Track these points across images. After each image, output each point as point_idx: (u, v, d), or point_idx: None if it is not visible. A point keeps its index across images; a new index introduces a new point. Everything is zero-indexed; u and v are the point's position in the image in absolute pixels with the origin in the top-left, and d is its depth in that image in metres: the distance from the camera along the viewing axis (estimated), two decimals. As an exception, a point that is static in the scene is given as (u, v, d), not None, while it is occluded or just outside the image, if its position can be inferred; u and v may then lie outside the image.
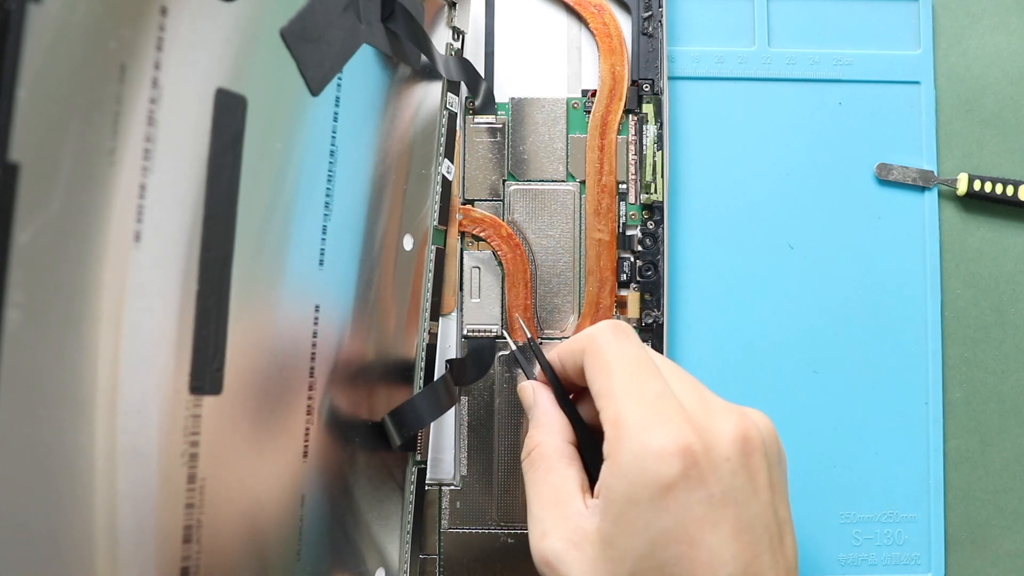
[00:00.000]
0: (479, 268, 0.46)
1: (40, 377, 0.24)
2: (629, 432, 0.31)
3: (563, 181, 0.47)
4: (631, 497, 0.30)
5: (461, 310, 0.46)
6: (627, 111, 0.47)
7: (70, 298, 0.25)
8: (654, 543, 0.29)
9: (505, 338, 0.46)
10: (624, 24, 0.48)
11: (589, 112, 0.47)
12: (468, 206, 0.46)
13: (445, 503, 0.45)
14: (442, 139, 0.45)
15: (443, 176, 0.44)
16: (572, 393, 0.38)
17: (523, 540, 0.44)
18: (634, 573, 0.30)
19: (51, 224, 0.24)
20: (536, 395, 0.38)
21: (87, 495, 0.26)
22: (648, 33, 0.47)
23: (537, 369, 0.39)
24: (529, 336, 0.44)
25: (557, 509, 0.33)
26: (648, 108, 0.47)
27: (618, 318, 0.46)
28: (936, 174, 0.48)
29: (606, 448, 0.32)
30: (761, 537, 0.30)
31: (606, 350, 0.34)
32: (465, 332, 0.46)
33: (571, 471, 0.34)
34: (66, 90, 0.24)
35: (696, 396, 0.33)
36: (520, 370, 0.45)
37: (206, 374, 0.29)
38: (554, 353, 0.38)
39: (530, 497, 0.35)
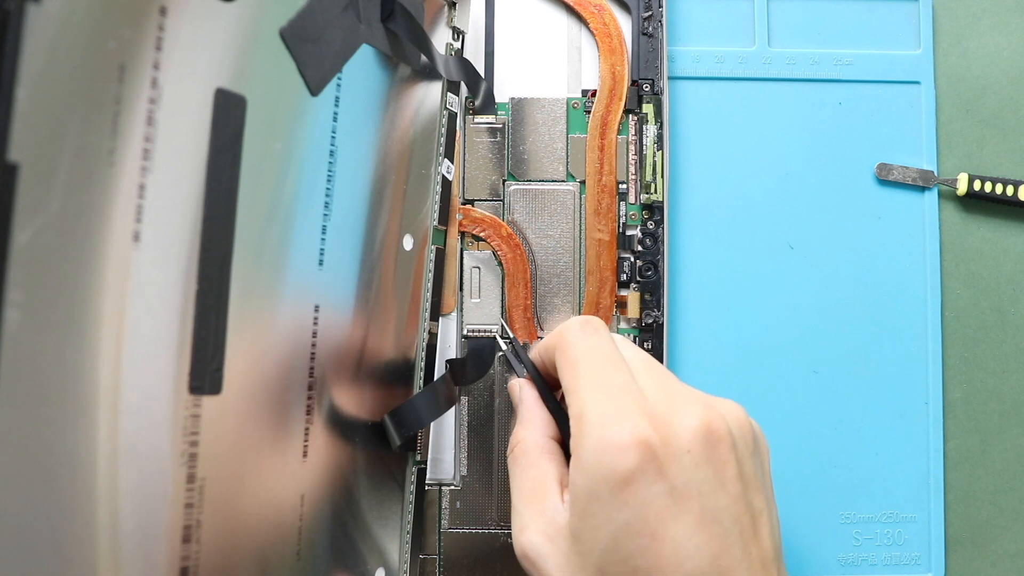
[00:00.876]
0: (479, 268, 0.46)
1: (39, 377, 0.24)
2: (589, 427, 0.31)
3: (563, 181, 0.47)
4: (592, 491, 0.30)
5: (461, 310, 0.46)
6: (627, 111, 0.47)
7: (69, 298, 0.25)
8: (617, 536, 0.30)
9: (502, 336, 0.46)
10: (624, 24, 0.48)
11: (589, 112, 0.47)
12: (468, 206, 0.46)
13: (445, 503, 0.45)
14: (442, 139, 0.45)
15: (443, 176, 0.44)
16: (558, 389, 0.38)
17: (523, 540, 0.44)
18: (601, 566, 0.30)
19: (50, 224, 0.24)
20: (521, 392, 0.39)
21: (89, 495, 0.26)
22: (648, 33, 0.47)
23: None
24: (511, 337, 0.44)
25: (535, 504, 0.34)
26: (648, 108, 0.47)
27: (618, 318, 0.46)
28: (936, 174, 0.48)
29: (572, 444, 0.32)
30: (730, 529, 0.30)
31: (572, 346, 0.35)
32: (465, 332, 0.46)
33: (550, 466, 0.35)
34: (65, 90, 0.24)
35: (661, 388, 0.33)
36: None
37: (205, 374, 0.29)
38: (535, 351, 0.39)
39: (512, 492, 0.35)
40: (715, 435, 0.31)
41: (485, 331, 0.46)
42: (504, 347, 0.45)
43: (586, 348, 0.34)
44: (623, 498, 0.30)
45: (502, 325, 0.46)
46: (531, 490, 0.34)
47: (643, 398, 0.32)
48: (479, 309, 0.46)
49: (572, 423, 0.32)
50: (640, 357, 0.35)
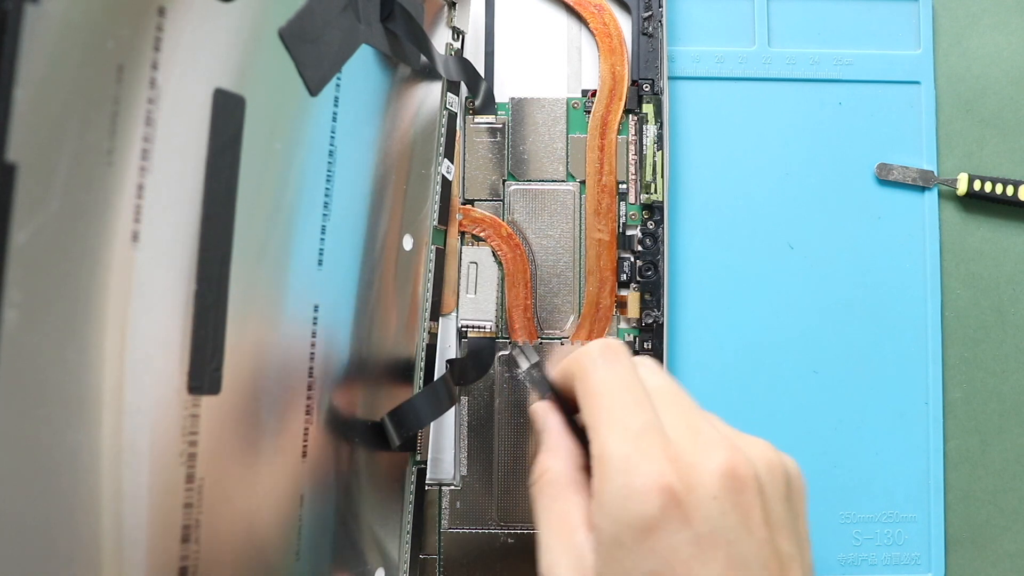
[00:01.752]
0: (476, 264, 0.46)
1: (39, 377, 0.24)
2: (611, 470, 0.30)
3: (563, 181, 0.47)
4: (616, 537, 0.29)
5: (459, 307, 0.46)
6: (627, 111, 0.47)
7: (68, 298, 0.25)
8: None
9: (506, 340, 0.46)
10: (624, 24, 0.48)
11: (589, 112, 0.47)
12: (468, 206, 0.46)
13: (445, 503, 0.45)
14: (442, 139, 0.45)
15: (443, 176, 0.44)
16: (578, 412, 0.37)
17: (523, 540, 0.44)
18: None
19: (49, 224, 0.24)
20: (546, 419, 0.37)
21: (91, 495, 0.26)
22: (648, 33, 0.47)
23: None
24: (536, 360, 0.42)
25: (563, 539, 0.32)
26: (648, 108, 0.47)
27: (618, 318, 0.46)
28: (936, 174, 0.48)
29: (593, 485, 0.31)
30: (758, 575, 0.29)
31: (593, 378, 0.33)
32: (460, 326, 0.46)
33: (579, 498, 0.33)
34: (64, 90, 0.24)
35: (685, 428, 0.31)
36: (519, 372, 0.45)
37: (204, 374, 0.29)
38: (555, 374, 0.37)
39: (539, 524, 0.34)
40: (740, 480, 0.30)
41: (480, 327, 0.46)
42: (522, 367, 0.44)
43: (607, 380, 0.33)
44: (648, 545, 0.29)
45: (522, 345, 0.45)
46: (559, 525, 0.33)
47: (666, 439, 0.31)
48: (475, 305, 0.46)
49: (594, 463, 0.31)
50: (664, 386, 0.34)
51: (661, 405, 0.33)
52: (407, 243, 0.42)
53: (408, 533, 0.42)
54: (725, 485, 0.30)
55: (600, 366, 0.33)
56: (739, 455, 0.31)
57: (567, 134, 0.47)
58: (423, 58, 0.42)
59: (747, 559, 0.29)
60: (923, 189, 0.48)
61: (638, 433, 0.31)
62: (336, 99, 0.36)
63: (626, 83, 0.47)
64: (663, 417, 0.32)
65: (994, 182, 0.47)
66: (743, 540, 0.29)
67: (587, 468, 0.34)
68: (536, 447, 0.37)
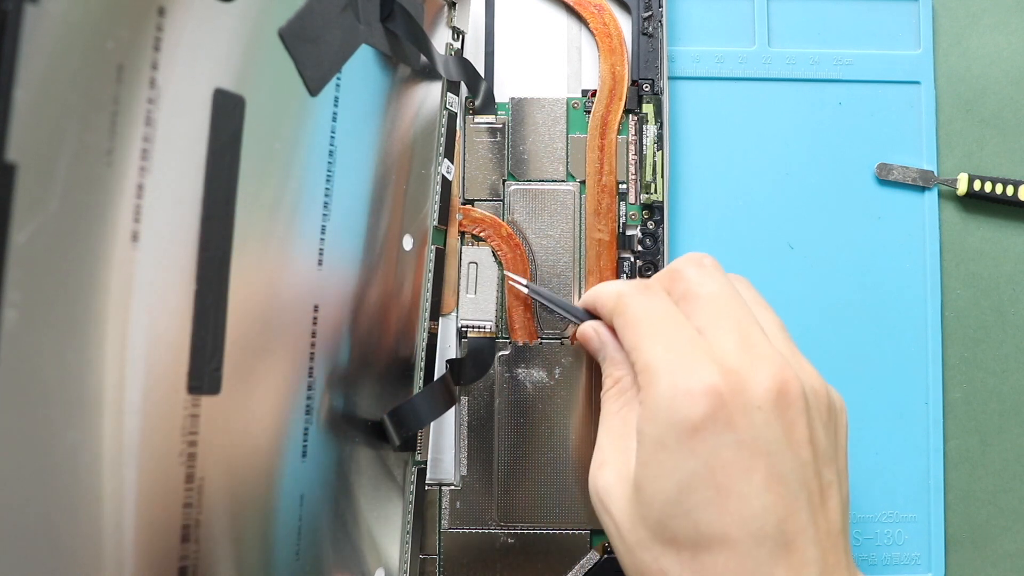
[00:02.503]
0: (476, 264, 0.46)
1: (39, 377, 0.24)
2: (658, 376, 0.31)
3: (563, 181, 0.47)
4: (660, 440, 0.30)
5: (459, 307, 0.46)
6: (627, 111, 0.47)
7: (68, 298, 0.25)
8: (681, 487, 0.29)
9: (506, 340, 0.46)
10: (624, 24, 0.48)
11: (589, 112, 0.47)
12: (468, 206, 0.46)
13: (445, 503, 0.45)
14: (442, 139, 0.45)
15: (443, 176, 0.44)
16: None
17: (523, 540, 0.44)
18: (662, 519, 0.30)
19: (49, 224, 0.24)
20: (605, 336, 0.38)
21: (90, 495, 0.26)
22: (648, 33, 0.47)
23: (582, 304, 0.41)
24: (577, 308, 0.42)
25: (620, 442, 0.33)
26: (648, 108, 0.47)
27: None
28: (936, 174, 0.48)
29: (640, 396, 0.31)
30: (798, 494, 0.29)
31: (633, 308, 0.34)
32: (460, 326, 0.46)
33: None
34: (63, 90, 0.24)
35: (740, 340, 0.32)
36: (520, 370, 0.45)
37: (204, 374, 0.29)
38: (584, 303, 0.39)
39: (601, 428, 0.35)
40: (788, 396, 0.30)
41: (480, 327, 0.46)
42: (542, 301, 0.44)
43: (648, 307, 0.34)
44: (690, 446, 0.29)
45: (527, 283, 0.45)
46: (620, 428, 0.34)
47: (712, 349, 0.31)
48: (475, 305, 0.46)
49: (640, 377, 0.32)
50: (721, 293, 0.34)
51: (715, 313, 0.33)
52: (407, 243, 0.42)
53: (408, 533, 0.42)
54: (771, 398, 0.30)
55: (639, 299, 0.35)
56: (789, 372, 0.31)
57: (567, 134, 0.47)
58: (423, 58, 0.42)
59: (787, 475, 0.29)
60: (923, 189, 0.48)
61: (683, 345, 0.31)
62: (336, 99, 0.36)
63: (626, 83, 0.47)
64: (716, 325, 0.32)
65: (994, 182, 0.47)
66: (785, 455, 0.30)
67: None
68: (598, 363, 0.38)
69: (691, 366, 0.30)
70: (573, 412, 0.45)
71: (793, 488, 0.29)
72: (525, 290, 0.44)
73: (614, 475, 0.32)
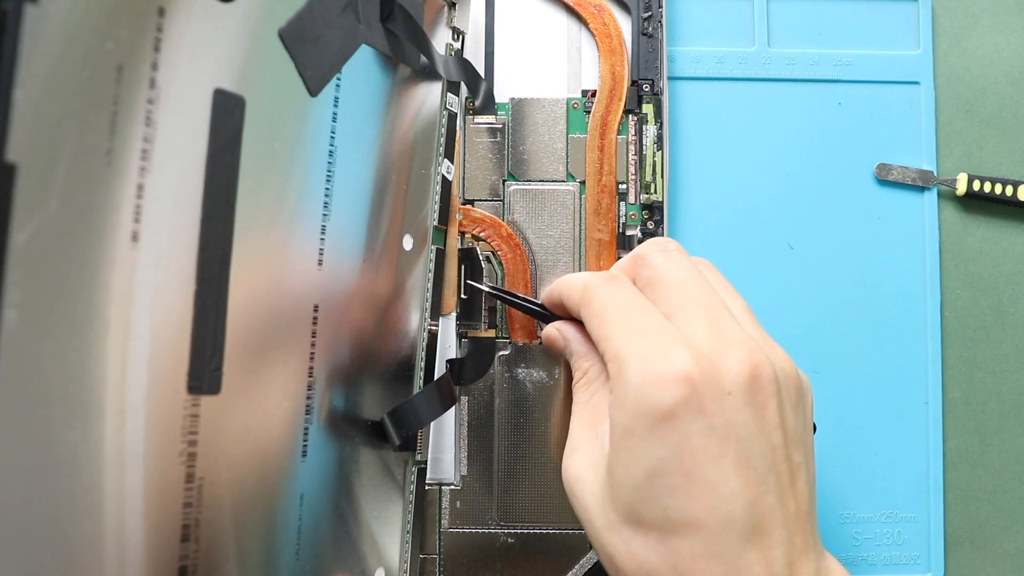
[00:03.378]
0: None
1: (39, 377, 0.24)
2: (627, 363, 0.30)
3: (563, 181, 0.47)
4: (629, 427, 0.30)
5: (459, 307, 0.46)
6: (627, 111, 0.47)
7: (68, 298, 0.25)
8: (650, 473, 0.29)
9: (506, 341, 0.46)
10: (624, 24, 0.48)
11: (589, 112, 0.47)
12: (468, 206, 0.46)
13: (445, 503, 0.45)
14: (442, 139, 0.45)
15: (443, 176, 0.45)
16: None
17: (523, 540, 0.44)
18: (631, 503, 0.30)
19: (48, 224, 0.24)
20: (568, 332, 0.38)
21: (90, 495, 0.26)
22: (648, 33, 0.47)
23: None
24: (540, 303, 0.42)
25: (590, 429, 0.33)
26: (648, 108, 0.47)
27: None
28: (936, 174, 0.48)
29: (610, 384, 0.32)
30: (767, 477, 0.29)
31: (599, 298, 0.34)
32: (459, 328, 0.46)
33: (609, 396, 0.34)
34: (63, 91, 0.24)
35: (709, 325, 0.32)
36: (520, 370, 0.45)
37: (204, 374, 0.29)
38: (545, 296, 0.39)
39: (572, 418, 0.35)
40: (759, 381, 0.30)
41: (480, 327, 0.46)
42: (507, 301, 0.44)
43: (614, 296, 0.34)
44: (660, 433, 0.29)
45: (496, 289, 0.45)
46: (590, 416, 0.34)
47: (682, 336, 0.31)
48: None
49: (610, 365, 0.32)
50: (688, 279, 0.34)
51: (683, 298, 0.33)
52: (407, 243, 0.42)
53: (408, 533, 0.42)
54: (743, 383, 0.30)
55: (603, 288, 0.34)
56: (761, 355, 0.31)
57: (567, 134, 0.47)
58: (423, 58, 0.42)
59: (756, 459, 0.29)
60: (923, 189, 0.48)
61: (651, 331, 0.31)
62: (336, 99, 0.36)
63: (626, 83, 0.47)
64: (684, 311, 0.32)
65: (994, 182, 0.47)
66: (755, 439, 0.30)
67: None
68: (565, 361, 0.39)
69: (661, 352, 0.30)
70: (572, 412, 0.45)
71: (762, 472, 0.29)
72: (487, 290, 0.44)
73: (584, 461, 0.33)
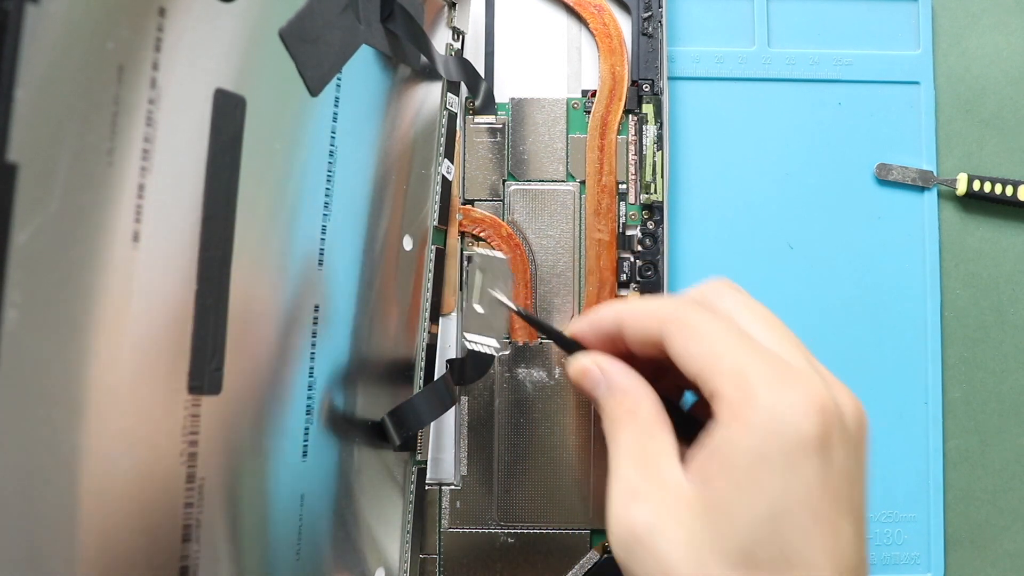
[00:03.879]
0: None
1: (39, 377, 0.24)
2: (758, 388, 0.28)
3: (563, 181, 0.47)
4: (762, 455, 0.27)
5: (460, 310, 0.46)
6: (627, 111, 0.47)
7: (69, 298, 0.25)
8: (776, 509, 0.27)
9: (506, 341, 0.46)
10: (624, 24, 0.48)
11: (589, 112, 0.47)
12: (468, 206, 0.46)
13: (445, 503, 0.45)
14: (442, 139, 0.45)
15: (443, 176, 0.45)
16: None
17: (523, 540, 0.44)
18: (745, 545, 0.27)
19: (49, 224, 0.24)
20: (606, 365, 0.34)
21: (91, 495, 0.26)
22: (648, 33, 0.47)
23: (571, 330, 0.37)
24: (559, 330, 0.38)
25: (651, 472, 0.30)
26: (648, 108, 0.47)
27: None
28: (936, 174, 0.48)
29: (725, 409, 0.28)
30: (864, 526, 0.28)
31: (696, 319, 0.31)
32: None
33: (669, 436, 0.31)
34: (64, 91, 0.24)
35: (810, 362, 0.29)
36: (520, 370, 0.45)
37: (205, 374, 0.29)
38: (611, 323, 0.34)
39: (616, 456, 0.31)
40: (864, 424, 0.29)
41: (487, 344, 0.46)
42: (510, 305, 0.41)
43: (713, 320, 0.31)
44: (797, 465, 0.27)
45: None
46: (644, 457, 0.30)
47: (807, 365, 0.29)
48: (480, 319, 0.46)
49: (726, 388, 0.28)
50: (780, 322, 0.31)
51: (777, 332, 0.31)
52: (407, 243, 0.42)
53: (408, 533, 0.42)
54: (858, 425, 0.29)
55: (698, 313, 0.31)
56: (857, 400, 0.29)
57: (567, 134, 0.47)
58: (423, 58, 0.42)
59: (860, 506, 0.28)
60: (923, 189, 0.48)
61: (767, 356, 0.29)
62: (336, 99, 0.36)
63: (626, 83, 0.47)
64: (780, 344, 0.30)
65: (994, 182, 0.47)
66: (861, 486, 0.28)
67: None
68: (593, 402, 0.35)
69: (795, 379, 0.28)
70: (573, 412, 0.45)
71: (863, 520, 0.28)
72: (514, 309, 0.41)
73: (656, 508, 0.29)
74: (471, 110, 0.47)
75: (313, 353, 0.35)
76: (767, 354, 0.29)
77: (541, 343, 0.46)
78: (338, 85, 0.36)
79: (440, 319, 0.45)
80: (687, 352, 0.30)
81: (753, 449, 0.27)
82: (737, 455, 0.27)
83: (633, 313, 0.33)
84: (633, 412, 0.32)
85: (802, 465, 0.27)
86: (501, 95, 0.48)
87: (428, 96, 0.44)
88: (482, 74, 0.47)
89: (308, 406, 0.35)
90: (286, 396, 0.34)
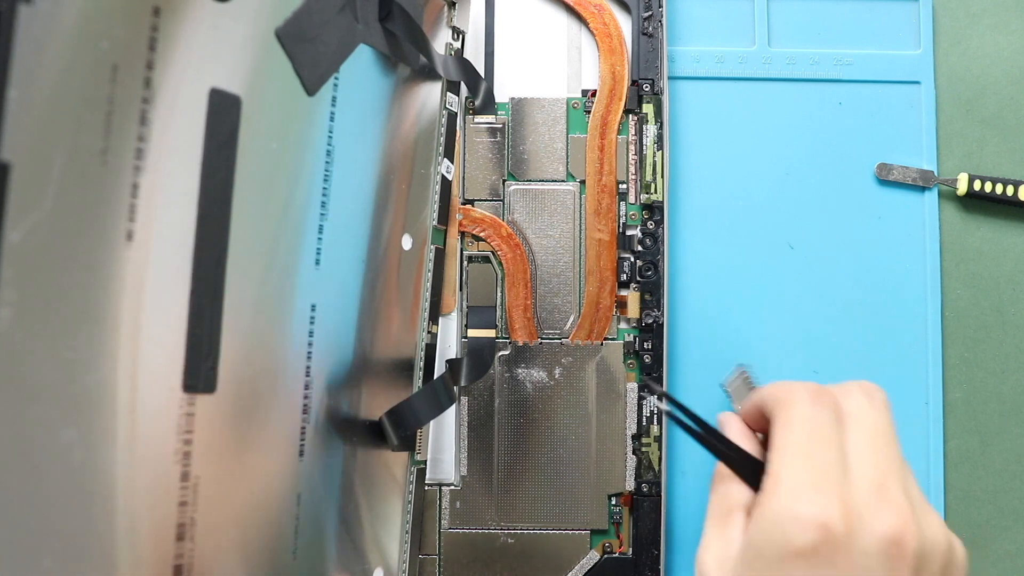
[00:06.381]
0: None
1: (33, 375, 0.24)
2: (779, 489, 0.30)
3: (563, 181, 0.47)
4: (760, 551, 0.30)
5: (461, 310, 0.46)
6: (627, 111, 0.47)
7: (63, 297, 0.25)
8: None
9: (506, 340, 0.46)
10: (624, 24, 0.48)
11: (589, 112, 0.47)
12: (468, 206, 0.46)
13: (445, 503, 0.45)
14: (442, 139, 0.45)
15: (442, 176, 0.45)
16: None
17: (523, 540, 0.44)
18: None
19: (43, 223, 0.24)
20: (728, 424, 0.37)
21: (84, 494, 0.26)
22: (648, 33, 0.47)
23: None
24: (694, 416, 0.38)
25: (721, 526, 0.33)
26: (648, 108, 0.47)
27: (618, 318, 0.46)
28: (936, 174, 0.48)
29: (759, 498, 0.31)
30: None
31: (797, 409, 0.33)
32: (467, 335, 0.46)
33: (745, 493, 0.34)
34: (58, 90, 0.24)
35: (874, 481, 0.31)
36: (520, 370, 0.45)
37: (200, 372, 0.29)
38: (756, 398, 0.37)
39: (709, 509, 0.35)
40: (901, 549, 0.29)
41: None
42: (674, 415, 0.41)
43: (809, 416, 0.33)
44: (786, 568, 0.29)
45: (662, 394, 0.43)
46: (720, 511, 0.34)
47: (845, 482, 0.30)
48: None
49: (766, 479, 0.31)
50: (874, 426, 0.33)
51: (869, 446, 0.32)
52: (407, 243, 0.42)
53: (408, 533, 0.42)
54: (883, 548, 0.29)
55: (808, 402, 0.33)
56: (911, 525, 0.30)
57: (567, 134, 0.47)
58: (423, 58, 0.42)
59: None
60: (923, 189, 0.48)
61: (819, 466, 0.31)
62: (334, 99, 0.36)
63: (626, 83, 0.47)
64: (861, 457, 0.32)
65: (994, 182, 0.47)
66: None
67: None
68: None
69: (814, 492, 0.30)
70: (573, 412, 0.45)
71: None
72: (666, 408, 0.40)
73: (715, 559, 0.32)
74: (471, 110, 0.47)
75: (310, 352, 0.35)
76: (814, 465, 0.31)
77: (541, 343, 0.46)
78: (336, 85, 0.36)
79: (440, 319, 0.45)
80: (772, 435, 0.33)
81: (757, 543, 0.30)
82: (750, 539, 0.31)
83: (776, 387, 0.36)
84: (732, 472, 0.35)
85: (792, 568, 0.29)
86: (501, 95, 0.48)
87: (428, 96, 0.44)
88: (482, 74, 0.47)
89: (305, 405, 0.35)
90: (282, 395, 0.34)
